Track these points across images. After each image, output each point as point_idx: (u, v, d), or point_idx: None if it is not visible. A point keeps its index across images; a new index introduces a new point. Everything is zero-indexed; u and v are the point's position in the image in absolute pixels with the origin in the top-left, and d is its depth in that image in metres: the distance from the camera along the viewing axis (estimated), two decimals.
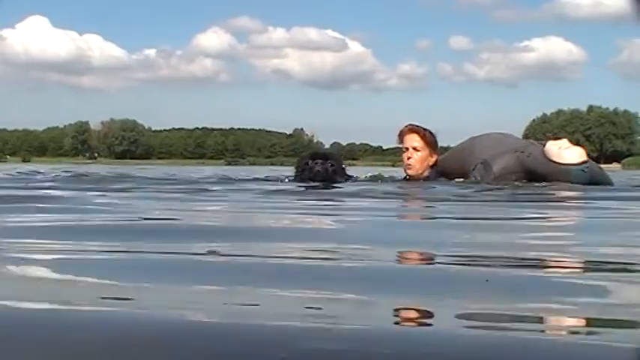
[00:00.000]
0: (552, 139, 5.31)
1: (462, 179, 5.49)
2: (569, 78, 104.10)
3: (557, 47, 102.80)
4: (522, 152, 5.27)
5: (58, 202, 3.55)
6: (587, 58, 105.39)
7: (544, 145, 5.17)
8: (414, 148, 5.54)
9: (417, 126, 5.69)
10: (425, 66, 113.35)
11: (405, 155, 5.61)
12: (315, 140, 73.70)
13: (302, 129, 79.76)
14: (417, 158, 5.54)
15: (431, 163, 5.62)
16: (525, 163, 5.16)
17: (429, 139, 5.58)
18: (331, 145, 74.57)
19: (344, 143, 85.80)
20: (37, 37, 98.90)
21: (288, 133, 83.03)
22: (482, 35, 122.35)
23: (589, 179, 5.03)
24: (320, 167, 5.39)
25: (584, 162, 5.04)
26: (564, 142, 5.20)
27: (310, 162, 5.50)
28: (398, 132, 5.75)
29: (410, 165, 5.58)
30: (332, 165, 5.48)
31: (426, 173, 5.61)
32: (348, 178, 5.65)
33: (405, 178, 5.81)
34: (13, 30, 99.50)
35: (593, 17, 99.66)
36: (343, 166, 5.81)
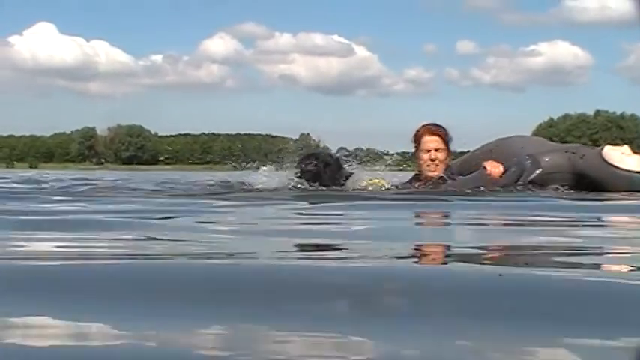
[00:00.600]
0: (609, 144, 5.14)
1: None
2: (576, 82, 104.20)
3: (563, 51, 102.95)
4: (574, 153, 5.08)
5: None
6: (593, 63, 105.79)
7: (601, 149, 5.00)
8: (436, 150, 5.34)
9: (436, 126, 5.51)
10: (431, 71, 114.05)
11: (425, 157, 5.35)
12: (321, 145, 72.70)
13: (308, 134, 77.82)
14: (441, 159, 5.35)
15: (448, 163, 5.48)
16: (577, 165, 4.96)
17: (447, 139, 5.43)
18: (338, 149, 73.07)
19: (351, 148, 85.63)
20: (44, 44, 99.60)
21: (294, 138, 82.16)
22: (488, 39, 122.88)
23: None
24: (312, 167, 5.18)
25: None
26: (626, 148, 5.01)
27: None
28: (414, 132, 5.54)
29: (433, 167, 5.34)
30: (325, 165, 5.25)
31: (442, 173, 5.39)
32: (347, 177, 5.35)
33: (413, 179, 5.57)
34: (21, 37, 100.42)
35: (600, 21, 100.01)
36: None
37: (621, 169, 4.79)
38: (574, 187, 4.98)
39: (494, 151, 5.46)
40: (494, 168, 5.08)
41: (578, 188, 4.95)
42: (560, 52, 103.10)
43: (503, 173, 5.05)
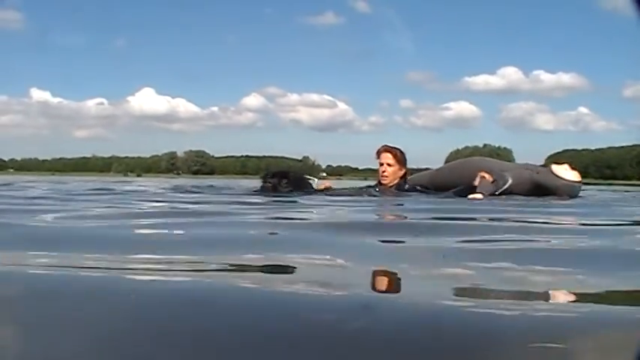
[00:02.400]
0: (555, 164, 4.60)
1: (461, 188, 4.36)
2: (472, 126, 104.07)
3: (465, 108, 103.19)
4: (531, 170, 4.52)
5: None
6: (482, 115, 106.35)
7: (551, 166, 4.52)
8: (388, 164, 4.60)
9: (390, 146, 4.71)
10: (385, 118, 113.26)
11: (380, 169, 4.64)
12: (316, 163, 70.91)
13: (308, 156, 77.85)
14: (390, 171, 4.59)
15: (400, 175, 4.65)
16: (535, 178, 4.40)
17: (399, 157, 4.64)
18: (326, 166, 72.22)
19: (334, 165, 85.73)
20: (147, 100, 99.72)
21: (299, 158, 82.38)
22: (420, 99, 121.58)
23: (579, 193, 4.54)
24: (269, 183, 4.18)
25: (580, 181, 4.55)
26: (566, 166, 4.56)
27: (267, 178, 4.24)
28: (376, 150, 4.73)
29: (384, 177, 4.63)
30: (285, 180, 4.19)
31: (395, 182, 4.63)
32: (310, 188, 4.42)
33: (376, 185, 4.75)
34: (133, 97, 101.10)
35: (485, 90, 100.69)
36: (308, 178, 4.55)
37: (568, 180, 4.39)
38: (532, 194, 4.35)
39: (457, 168, 4.81)
40: (487, 176, 4.37)
41: (535, 194, 4.34)
42: (463, 108, 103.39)
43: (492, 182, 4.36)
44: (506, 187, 4.25)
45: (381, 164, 4.62)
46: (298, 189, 4.20)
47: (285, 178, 4.19)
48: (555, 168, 4.48)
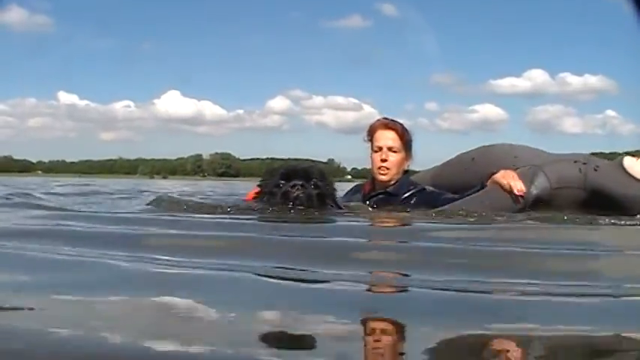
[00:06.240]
0: (630, 156, 2.50)
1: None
2: (498, 129, 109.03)
3: (490, 111, 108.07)
4: (584, 164, 2.52)
5: None
6: (508, 117, 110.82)
7: (622, 160, 2.48)
8: (390, 149, 2.79)
9: (394, 121, 2.85)
10: (410, 121, 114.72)
11: (376, 156, 2.80)
12: (341, 166, 66.61)
13: (333, 159, 71.70)
14: (394, 161, 2.78)
15: (405, 168, 2.86)
16: (591, 178, 2.47)
17: (406, 138, 2.82)
18: (351, 169, 64.60)
19: (359, 168, 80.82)
20: (173, 103, 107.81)
21: (324, 161, 73.90)
22: (445, 101, 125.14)
23: None
24: (300, 192, 2.32)
25: None
26: None
27: (283, 184, 2.35)
28: (368, 128, 2.86)
29: (384, 169, 2.80)
30: (317, 187, 2.36)
31: (397, 179, 2.82)
32: (336, 205, 2.45)
33: (363, 186, 2.93)
34: (159, 99, 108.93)
35: (511, 92, 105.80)
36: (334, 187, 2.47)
37: None
38: (587, 204, 2.48)
39: (477, 159, 2.85)
40: (513, 180, 2.44)
41: (590, 207, 2.46)
42: (489, 110, 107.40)
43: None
44: (540, 192, 2.47)
45: (379, 148, 2.84)
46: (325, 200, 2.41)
47: (319, 187, 2.39)
48: (630, 162, 2.48)
